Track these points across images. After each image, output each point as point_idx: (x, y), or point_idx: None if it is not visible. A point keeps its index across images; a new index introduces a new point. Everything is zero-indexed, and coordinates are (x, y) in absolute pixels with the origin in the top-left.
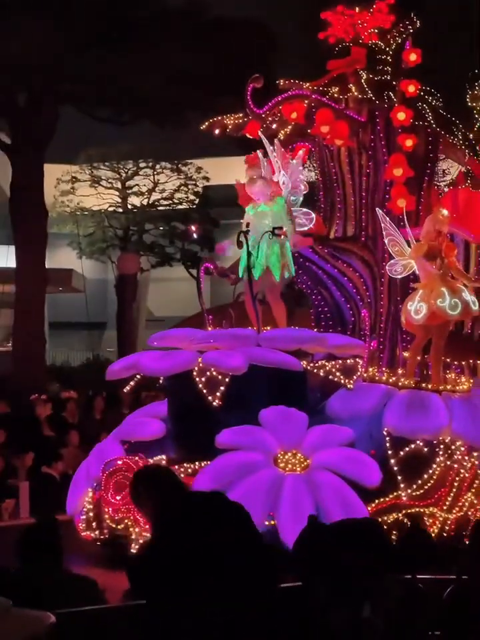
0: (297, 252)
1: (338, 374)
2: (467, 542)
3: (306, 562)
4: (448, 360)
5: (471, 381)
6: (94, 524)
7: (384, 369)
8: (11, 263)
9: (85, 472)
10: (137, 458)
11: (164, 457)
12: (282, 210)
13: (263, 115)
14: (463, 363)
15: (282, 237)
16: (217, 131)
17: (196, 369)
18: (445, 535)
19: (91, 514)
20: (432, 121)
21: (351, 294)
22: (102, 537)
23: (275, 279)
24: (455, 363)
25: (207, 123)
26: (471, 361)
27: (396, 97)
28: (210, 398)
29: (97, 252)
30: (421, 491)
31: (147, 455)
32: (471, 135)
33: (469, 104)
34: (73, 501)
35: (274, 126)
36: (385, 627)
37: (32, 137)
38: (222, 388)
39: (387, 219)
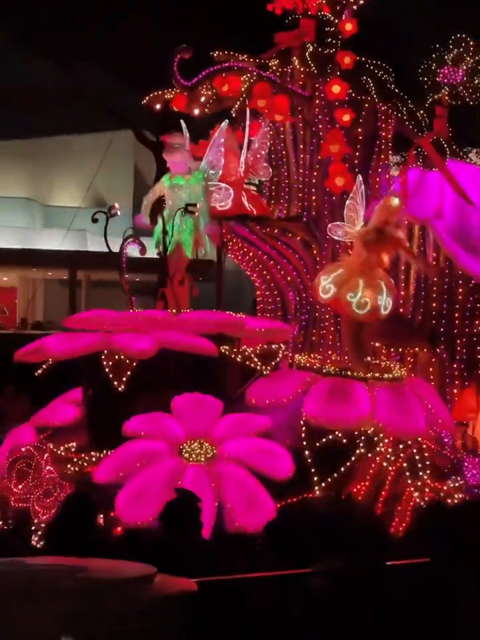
0: (234, 231)
1: (255, 359)
2: None
3: (431, 538)
4: (383, 347)
5: (405, 368)
6: None
7: (316, 355)
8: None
9: None
10: (42, 446)
11: (74, 444)
12: (199, 184)
13: (194, 87)
14: (401, 350)
15: (195, 214)
16: (157, 106)
17: (105, 352)
18: None
19: None
20: (375, 96)
21: (290, 276)
22: (5, 526)
23: (185, 255)
24: (392, 350)
25: (147, 98)
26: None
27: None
28: (115, 382)
29: None
30: (336, 486)
31: (60, 442)
32: (421, 111)
33: (421, 78)
34: None
35: (202, 99)
36: None
37: None
38: (128, 372)
39: (362, 186)
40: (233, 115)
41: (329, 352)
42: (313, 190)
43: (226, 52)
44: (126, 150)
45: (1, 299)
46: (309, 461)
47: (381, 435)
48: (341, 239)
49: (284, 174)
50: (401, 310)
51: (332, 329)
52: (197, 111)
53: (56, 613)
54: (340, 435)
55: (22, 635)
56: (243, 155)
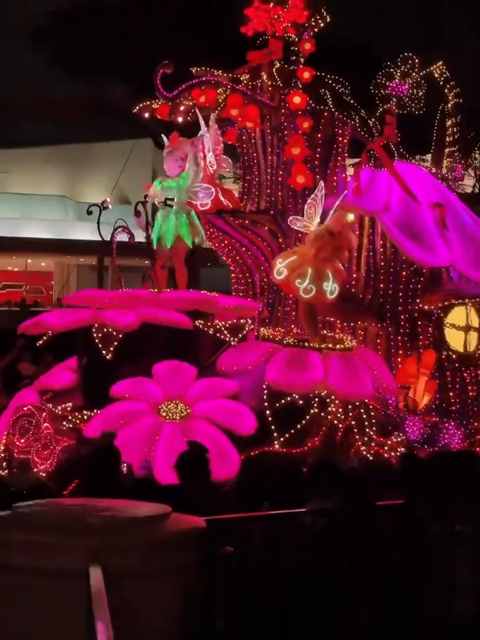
0: (211, 222)
1: (225, 332)
2: None
3: (409, 484)
4: (338, 322)
5: (355, 340)
6: (4, 464)
7: (280, 329)
8: None
9: (6, 417)
10: (42, 406)
11: (70, 404)
12: (186, 184)
13: (175, 98)
14: (353, 324)
15: (172, 207)
16: (146, 115)
17: (95, 325)
18: None
19: (3, 454)
20: (331, 106)
21: (259, 261)
22: (10, 474)
23: (187, 245)
24: (345, 324)
25: (137, 108)
26: (360, 323)
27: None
28: (103, 352)
29: None
30: (293, 440)
31: (59, 402)
32: (373, 119)
33: (372, 90)
34: None
35: (182, 108)
36: (473, 536)
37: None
38: (115, 343)
39: (323, 190)
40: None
41: (292, 326)
42: (279, 187)
43: (203, 68)
44: (146, 154)
45: (40, 281)
46: (270, 419)
47: (333, 397)
48: (300, 230)
49: (255, 173)
50: (353, 290)
51: (294, 306)
52: (180, 119)
53: (86, 545)
54: (297, 397)
55: (57, 565)
56: (209, 156)
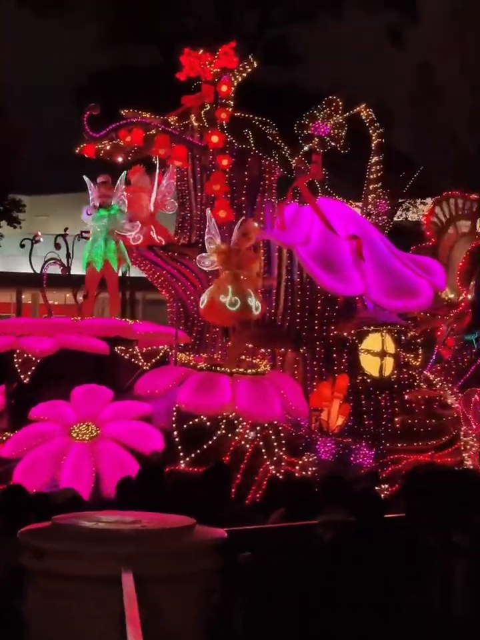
0: (142, 256)
1: (140, 357)
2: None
3: (410, 499)
4: (259, 348)
5: (268, 365)
6: None
7: (201, 354)
8: None
9: None
10: None
11: None
12: (117, 214)
13: (102, 138)
14: (270, 350)
15: (88, 239)
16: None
17: (16, 352)
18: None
19: None
20: (253, 145)
21: (189, 291)
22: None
23: (114, 270)
24: (265, 350)
25: (78, 148)
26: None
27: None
28: (22, 376)
29: None
30: (199, 459)
31: None
32: (299, 157)
33: (295, 131)
34: None
35: (108, 148)
36: (469, 545)
37: None
38: (33, 368)
39: (213, 220)
40: (155, 162)
41: (220, 352)
42: (208, 221)
43: (132, 110)
44: None
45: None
46: (177, 439)
47: (240, 419)
48: (211, 268)
49: (187, 209)
50: (272, 317)
51: (220, 333)
52: (120, 159)
53: (118, 553)
54: (205, 418)
55: (92, 571)
56: (154, 195)
